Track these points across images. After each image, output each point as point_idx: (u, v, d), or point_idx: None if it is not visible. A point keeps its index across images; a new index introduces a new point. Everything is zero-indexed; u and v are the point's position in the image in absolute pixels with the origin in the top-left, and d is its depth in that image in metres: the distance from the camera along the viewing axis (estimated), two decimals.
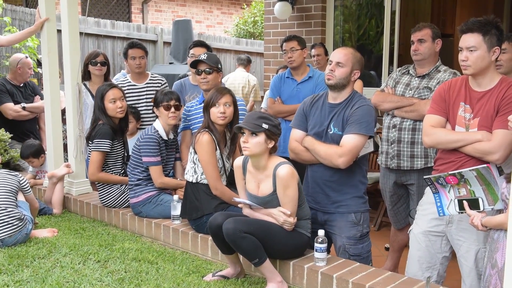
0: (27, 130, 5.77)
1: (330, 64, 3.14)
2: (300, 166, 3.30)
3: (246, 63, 8.17)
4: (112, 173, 4.22)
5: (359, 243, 3.19)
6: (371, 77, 6.37)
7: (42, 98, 5.71)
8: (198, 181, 3.55)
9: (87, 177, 4.66)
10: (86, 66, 4.89)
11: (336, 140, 3.11)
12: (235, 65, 8.59)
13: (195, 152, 3.53)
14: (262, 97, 7.14)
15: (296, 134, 3.31)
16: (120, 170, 4.27)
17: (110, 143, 4.11)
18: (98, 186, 4.28)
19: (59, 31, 4.58)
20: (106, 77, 4.98)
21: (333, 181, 3.18)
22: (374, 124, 3.14)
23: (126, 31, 9.77)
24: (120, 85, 4.47)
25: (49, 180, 4.58)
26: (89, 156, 4.19)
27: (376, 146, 5.30)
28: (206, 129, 3.50)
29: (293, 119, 3.37)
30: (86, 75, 4.92)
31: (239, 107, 3.69)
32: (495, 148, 2.62)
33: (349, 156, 3.04)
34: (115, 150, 4.20)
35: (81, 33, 4.71)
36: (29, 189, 3.95)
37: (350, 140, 3.04)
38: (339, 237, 3.19)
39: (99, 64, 4.85)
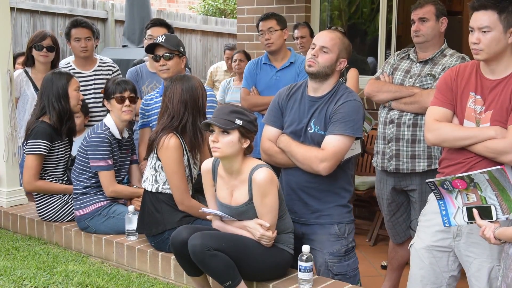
0: None
1: (313, 48, 3.16)
2: (278, 169, 3.32)
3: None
4: (52, 181, 4.17)
5: (344, 259, 3.22)
6: (365, 63, 6.42)
7: None
8: (159, 190, 3.54)
9: (21, 185, 4.60)
10: (29, 49, 4.83)
11: (317, 141, 3.14)
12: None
13: (158, 159, 3.51)
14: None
15: (269, 132, 3.32)
16: (61, 177, 4.22)
17: (47, 144, 4.06)
18: (36, 196, 4.23)
19: None
20: (54, 64, 4.91)
21: (312, 187, 3.21)
22: (362, 123, 3.17)
23: (69, 6, 9.64)
24: None
25: None
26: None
27: (363, 148, 5.40)
28: (174, 131, 3.49)
29: (266, 114, 3.38)
30: (29, 61, 4.86)
31: (208, 99, 3.69)
32: (511, 147, 2.66)
33: (332, 161, 3.07)
34: (55, 153, 4.16)
35: (12, 8, 4.65)
36: None
37: (334, 142, 3.07)
38: (320, 253, 3.21)
39: (45, 49, 4.78)
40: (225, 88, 6.51)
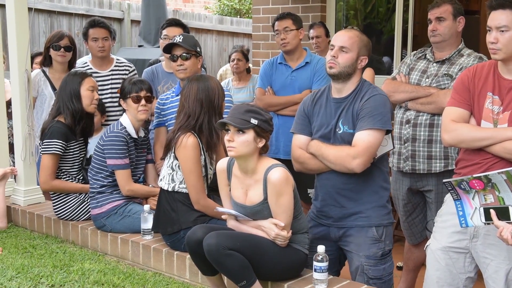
0: None
1: (332, 49, 3.15)
2: (302, 173, 3.32)
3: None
4: (68, 180, 4.21)
5: (380, 263, 3.18)
6: (380, 63, 6.40)
7: None
8: (175, 190, 3.55)
9: (38, 184, 4.64)
10: (47, 49, 4.87)
11: (347, 140, 3.12)
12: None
13: (176, 158, 3.52)
14: None
15: (299, 140, 3.30)
16: (77, 176, 4.25)
17: (62, 144, 4.08)
18: (52, 195, 4.26)
19: (2, 6, 4.55)
20: (71, 64, 4.95)
21: (349, 189, 3.18)
22: (391, 116, 3.14)
23: (86, 6, 9.72)
24: None
25: None
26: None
27: None
28: (191, 131, 3.50)
29: (294, 123, 3.37)
30: (47, 61, 4.90)
31: (225, 98, 3.71)
32: None
33: (365, 156, 3.04)
34: (71, 153, 4.19)
35: (30, 9, 4.69)
36: None
37: (364, 138, 3.04)
38: (356, 255, 3.18)
39: (62, 49, 4.82)
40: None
